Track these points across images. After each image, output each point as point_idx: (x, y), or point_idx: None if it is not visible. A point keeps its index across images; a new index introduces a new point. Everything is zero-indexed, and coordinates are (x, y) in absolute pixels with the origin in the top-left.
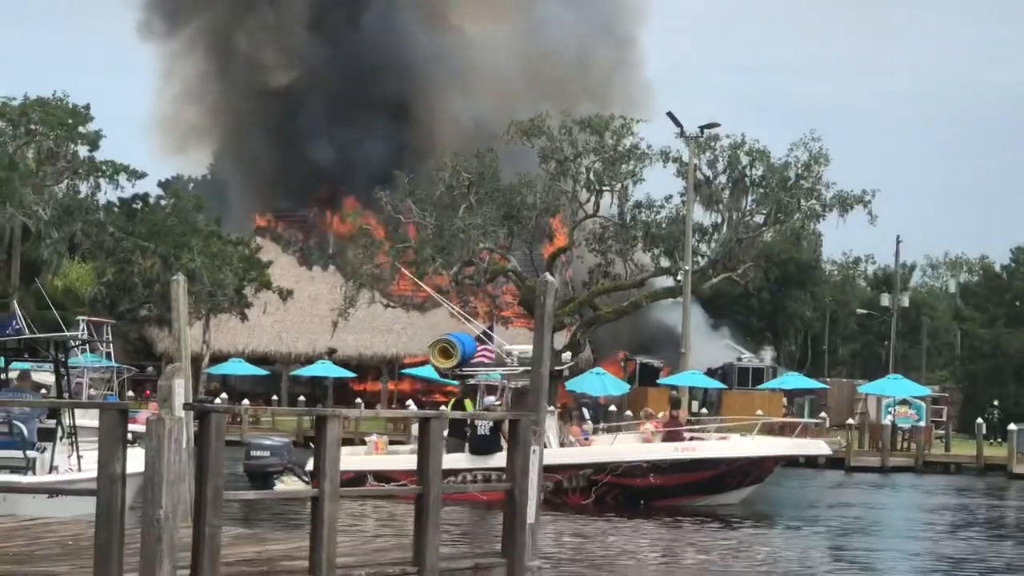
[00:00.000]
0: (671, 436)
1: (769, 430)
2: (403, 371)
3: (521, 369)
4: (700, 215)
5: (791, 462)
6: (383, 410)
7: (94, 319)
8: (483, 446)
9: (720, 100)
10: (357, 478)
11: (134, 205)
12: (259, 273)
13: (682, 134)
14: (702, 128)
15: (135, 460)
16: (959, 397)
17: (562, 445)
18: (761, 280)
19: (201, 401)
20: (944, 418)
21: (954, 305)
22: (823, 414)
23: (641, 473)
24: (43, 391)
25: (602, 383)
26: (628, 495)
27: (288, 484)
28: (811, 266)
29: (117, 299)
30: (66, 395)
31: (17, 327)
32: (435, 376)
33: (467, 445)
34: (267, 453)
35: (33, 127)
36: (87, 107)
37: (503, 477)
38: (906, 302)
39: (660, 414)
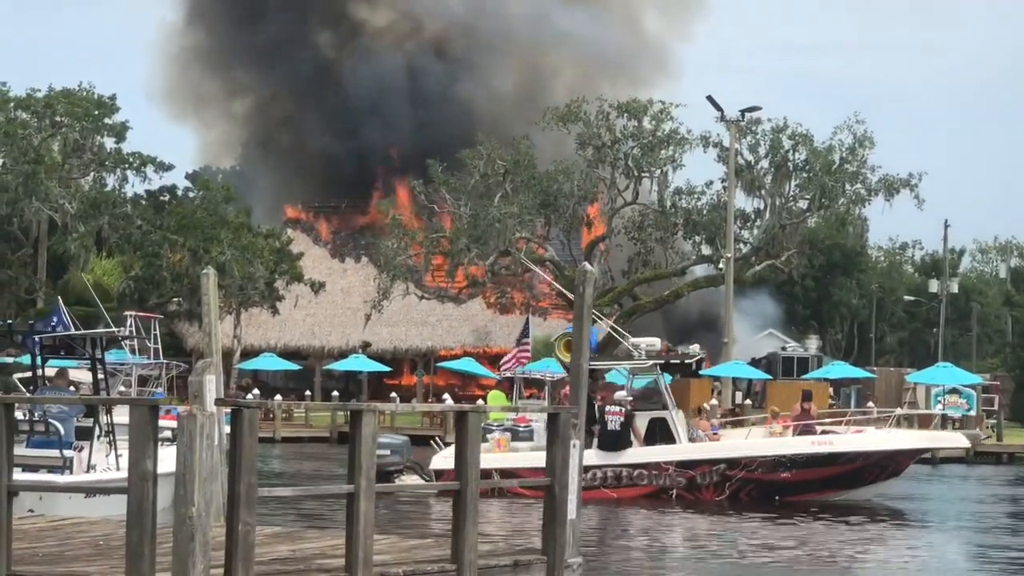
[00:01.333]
0: (804, 430)
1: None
2: (439, 364)
3: (650, 363)
4: (742, 201)
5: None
6: (419, 404)
7: (142, 314)
8: (612, 442)
9: (761, 83)
10: (482, 475)
11: (162, 197)
12: (290, 265)
13: (723, 118)
14: (743, 112)
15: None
16: (1011, 385)
17: (691, 440)
18: (805, 267)
19: (233, 397)
20: (996, 407)
21: (1005, 290)
22: (870, 404)
23: (777, 468)
24: (72, 388)
25: None
26: (763, 491)
27: (408, 483)
28: (857, 252)
29: (145, 294)
30: (104, 393)
31: (58, 322)
32: (472, 369)
33: (595, 441)
34: (387, 452)
35: (58, 119)
36: (112, 98)
37: (633, 474)
38: (955, 288)
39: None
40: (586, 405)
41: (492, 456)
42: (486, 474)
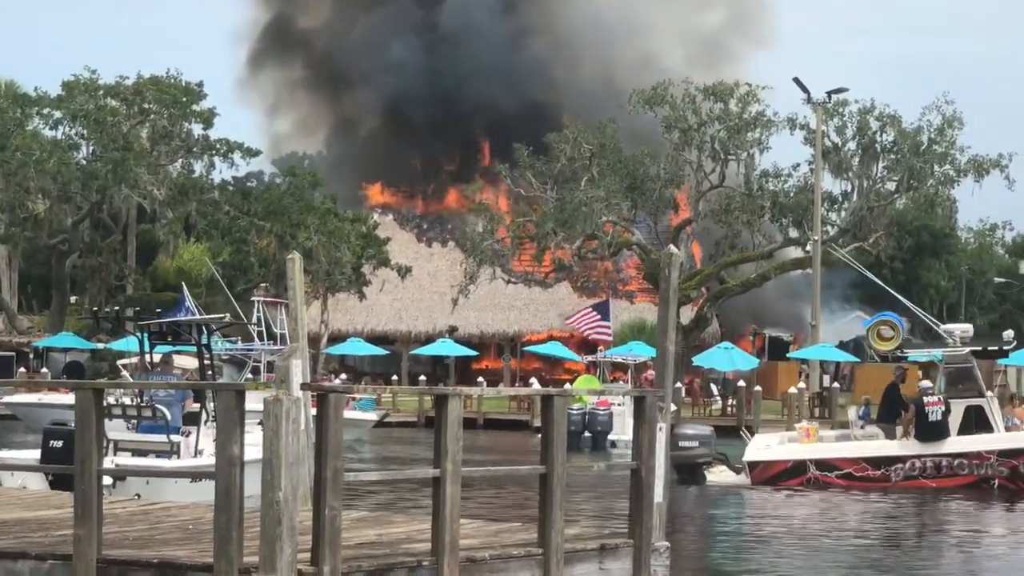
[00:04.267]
0: None
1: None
2: (526, 348)
3: (965, 350)
4: (829, 183)
5: None
6: (506, 388)
7: (269, 299)
8: (934, 432)
9: (847, 64)
10: (797, 467)
11: (249, 183)
12: (377, 250)
13: (809, 100)
14: (830, 93)
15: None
16: None
17: (1007, 428)
18: (894, 249)
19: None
20: None
21: None
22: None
23: None
24: (175, 374)
25: (730, 358)
26: None
27: (718, 475)
28: (946, 234)
29: (233, 279)
30: (210, 379)
31: (187, 307)
32: (558, 353)
33: (914, 431)
34: (695, 443)
35: (147, 106)
36: (200, 84)
37: (954, 464)
38: None
39: None
40: (892, 394)
41: (804, 446)
42: (800, 465)
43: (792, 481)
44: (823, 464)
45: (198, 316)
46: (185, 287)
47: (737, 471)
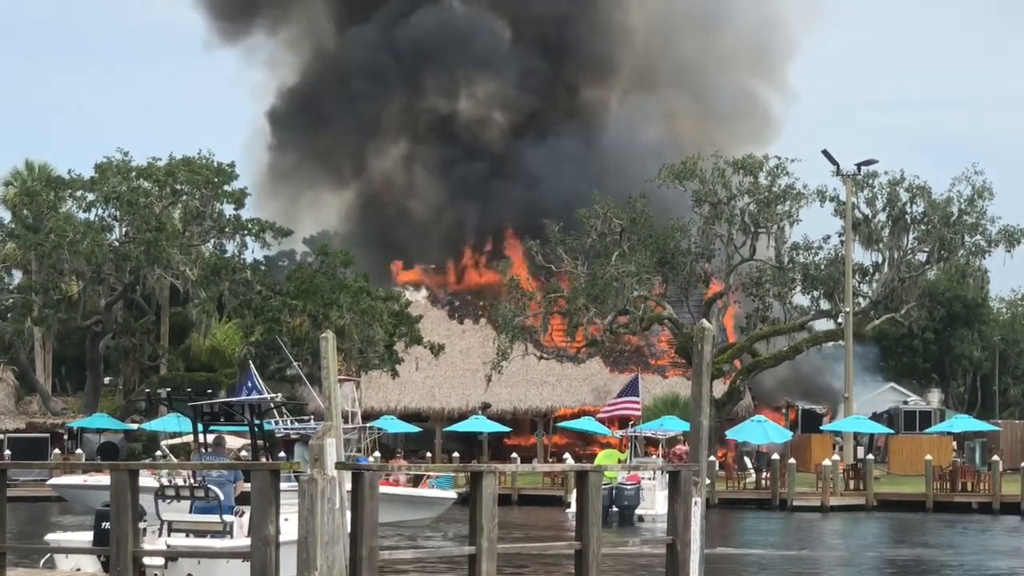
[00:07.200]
0: None
1: (940, 476)
2: (559, 424)
3: None
4: (860, 255)
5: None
6: (539, 464)
7: (340, 377)
8: None
9: (876, 137)
10: None
11: (281, 263)
12: (409, 328)
13: (838, 172)
14: (859, 165)
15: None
16: None
17: None
18: (926, 320)
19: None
20: None
21: None
22: (995, 457)
23: None
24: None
25: (763, 431)
26: None
27: None
28: (978, 304)
29: (266, 359)
30: (263, 458)
31: (252, 387)
32: (591, 428)
33: None
34: None
35: (179, 187)
36: (232, 165)
37: None
38: None
39: None
40: None
41: None
42: None
43: None
44: None
45: (266, 395)
46: (252, 366)
47: None
